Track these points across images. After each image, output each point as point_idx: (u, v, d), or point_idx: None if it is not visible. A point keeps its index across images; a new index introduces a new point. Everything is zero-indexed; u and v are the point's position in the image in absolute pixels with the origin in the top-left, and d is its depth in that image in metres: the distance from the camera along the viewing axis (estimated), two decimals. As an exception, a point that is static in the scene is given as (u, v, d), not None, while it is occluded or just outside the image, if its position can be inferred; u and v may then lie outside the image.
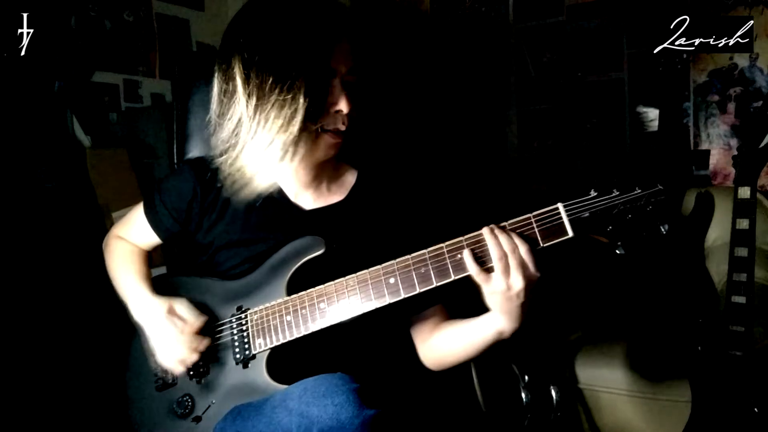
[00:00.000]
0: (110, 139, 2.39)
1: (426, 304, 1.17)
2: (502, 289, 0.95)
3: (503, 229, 0.96)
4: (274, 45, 1.04)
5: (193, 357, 1.09)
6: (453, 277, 0.97)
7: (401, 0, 2.90)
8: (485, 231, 0.96)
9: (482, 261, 0.96)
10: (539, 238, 0.95)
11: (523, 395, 1.52)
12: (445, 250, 0.98)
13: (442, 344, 1.15)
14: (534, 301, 0.97)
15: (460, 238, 0.98)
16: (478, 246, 0.96)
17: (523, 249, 0.94)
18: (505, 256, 0.94)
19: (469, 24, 2.77)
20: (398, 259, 1.00)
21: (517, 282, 0.94)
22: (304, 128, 1.04)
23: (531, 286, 0.95)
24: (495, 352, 1.11)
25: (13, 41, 1.82)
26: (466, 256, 0.96)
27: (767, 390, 1.33)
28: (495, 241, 0.94)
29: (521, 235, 0.95)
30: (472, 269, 0.96)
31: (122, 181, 2.24)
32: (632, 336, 1.91)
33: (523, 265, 0.94)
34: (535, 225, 0.95)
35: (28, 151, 2.01)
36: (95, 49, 2.39)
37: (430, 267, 0.98)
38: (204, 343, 1.09)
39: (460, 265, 0.97)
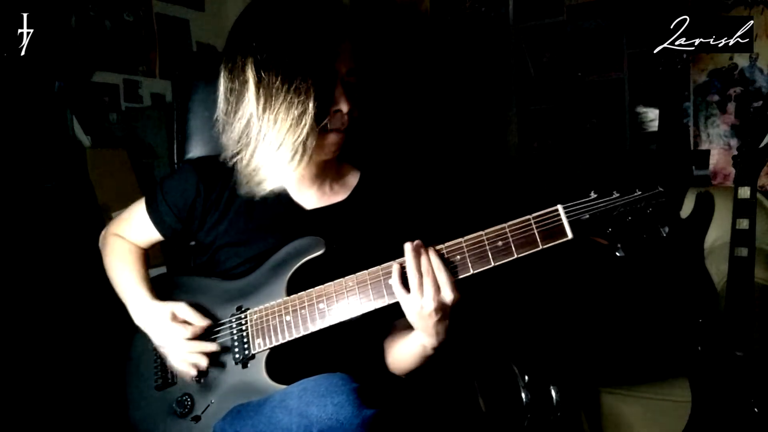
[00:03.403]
0: (110, 139, 2.39)
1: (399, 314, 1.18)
2: (416, 309, 0.97)
3: (428, 249, 0.98)
4: (284, 46, 1.04)
5: (203, 361, 1.09)
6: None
7: (401, 0, 2.90)
8: (407, 248, 0.98)
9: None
10: (539, 240, 0.95)
11: (523, 395, 1.52)
12: (444, 251, 0.98)
13: (394, 353, 1.16)
14: (454, 322, 1.00)
15: (459, 239, 0.98)
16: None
17: (439, 273, 0.96)
18: (420, 276, 0.96)
19: (469, 24, 2.77)
20: (397, 260, 1.00)
21: (429, 303, 0.96)
22: (310, 129, 1.05)
23: (446, 308, 0.97)
24: (495, 352, 1.12)
25: (13, 41, 1.82)
26: (395, 271, 0.98)
27: (767, 390, 1.33)
28: (415, 261, 0.97)
29: (443, 259, 0.97)
30: (395, 286, 0.98)
31: (122, 181, 2.24)
32: (632, 336, 1.91)
33: (437, 288, 0.96)
34: (534, 226, 0.95)
35: (28, 151, 2.01)
36: (95, 49, 2.39)
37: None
38: (210, 346, 1.10)
39: (458, 267, 0.98)
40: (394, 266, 0.99)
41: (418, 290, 0.96)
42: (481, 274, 0.98)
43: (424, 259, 0.97)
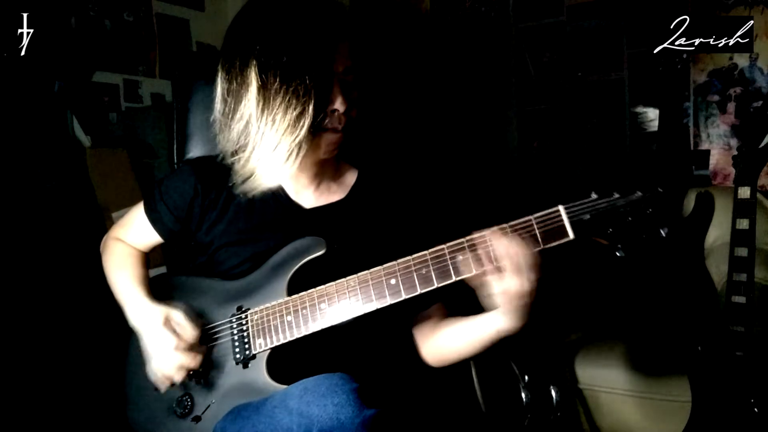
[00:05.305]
0: (110, 139, 2.39)
1: (428, 303, 1.18)
2: (511, 289, 0.94)
3: (507, 231, 0.96)
4: (282, 48, 1.04)
5: (179, 376, 1.09)
6: (454, 279, 0.98)
7: (401, 0, 2.90)
8: (494, 231, 0.95)
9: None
10: (540, 240, 0.95)
11: (523, 395, 1.52)
12: (446, 251, 0.98)
13: (443, 342, 1.16)
14: (537, 301, 0.97)
15: (461, 240, 0.98)
16: (484, 247, 0.96)
17: (530, 251, 0.94)
18: (515, 255, 0.93)
19: (469, 24, 2.77)
20: (399, 260, 1.00)
21: (526, 283, 0.94)
22: (308, 130, 1.05)
23: (536, 286, 0.95)
24: (495, 351, 1.12)
25: (13, 41, 1.82)
26: (482, 254, 0.95)
27: (767, 390, 1.34)
28: (504, 241, 0.94)
29: (526, 237, 0.95)
30: (477, 268, 0.95)
31: (122, 181, 2.24)
32: (632, 336, 1.91)
33: (531, 266, 0.93)
34: (536, 227, 0.95)
35: (28, 151, 2.01)
36: (95, 49, 2.38)
37: (431, 268, 0.98)
38: (196, 360, 1.08)
39: (460, 267, 0.97)
40: (479, 250, 0.95)
41: (516, 272, 0.93)
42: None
43: (513, 241, 0.94)
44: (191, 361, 1.08)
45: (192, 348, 1.09)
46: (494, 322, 1.04)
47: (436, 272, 0.98)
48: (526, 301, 0.96)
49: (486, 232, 0.96)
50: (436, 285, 0.98)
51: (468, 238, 0.98)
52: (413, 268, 0.99)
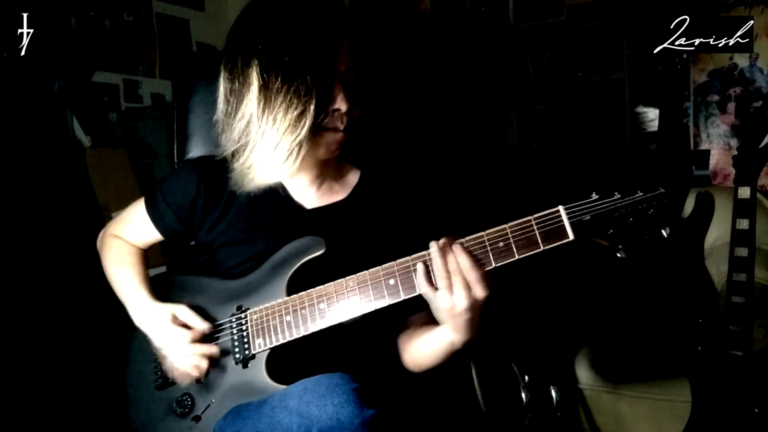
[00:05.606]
0: (110, 139, 2.39)
1: (415, 309, 1.17)
2: (446, 306, 0.95)
3: (456, 245, 0.95)
4: (284, 48, 1.04)
5: (204, 363, 1.09)
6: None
7: (401, 0, 2.90)
8: (433, 248, 0.96)
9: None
10: (540, 241, 0.94)
11: (523, 395, 1.52)
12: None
13: (415, 350, 1.15)
14: (485, 316, 0.97)
15: (460, 240, 0.98)
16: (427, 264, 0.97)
17: (468, 269, 0.93)
18: (449, 276, 0.94)
19: (469, 24, 2.77)
20: (398, 261, 1.00)
21: (461, 301, 0.93)
22: (308, 130, 1.05)
23: (477, 304, 0.95)
24: (495, 351, 1.12)
25: (13, 41, 1.82)
26: (419, 271, 0.96)
27: (767, 390, 1.34)
28: (442, 260, 0.94)
29: (472, 255, 0.94)
30: (421, 285, 0.96)
31: (122, 181, 2.24)
32: (632, 336, 1.91)
33: (467, 286, 0.93)
34: (535, 227, 0.95)
35: (28, 151, 2.01)
36: (95, 49, 2.39)
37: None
38: (211, 349, 1.10)
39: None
40: (419, 265, 0.97)
41: (447, 290, 0.94)
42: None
43: (451, 258, 0.94)
44: (209, 347, 1.09)
45: (204, 338, 1.10)
46: (444, 334, 1.04)
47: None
48: (462, 318, 0.96)
49: (432, 247, 0.96)
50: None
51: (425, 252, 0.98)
52: (412, 269, 0.99)
